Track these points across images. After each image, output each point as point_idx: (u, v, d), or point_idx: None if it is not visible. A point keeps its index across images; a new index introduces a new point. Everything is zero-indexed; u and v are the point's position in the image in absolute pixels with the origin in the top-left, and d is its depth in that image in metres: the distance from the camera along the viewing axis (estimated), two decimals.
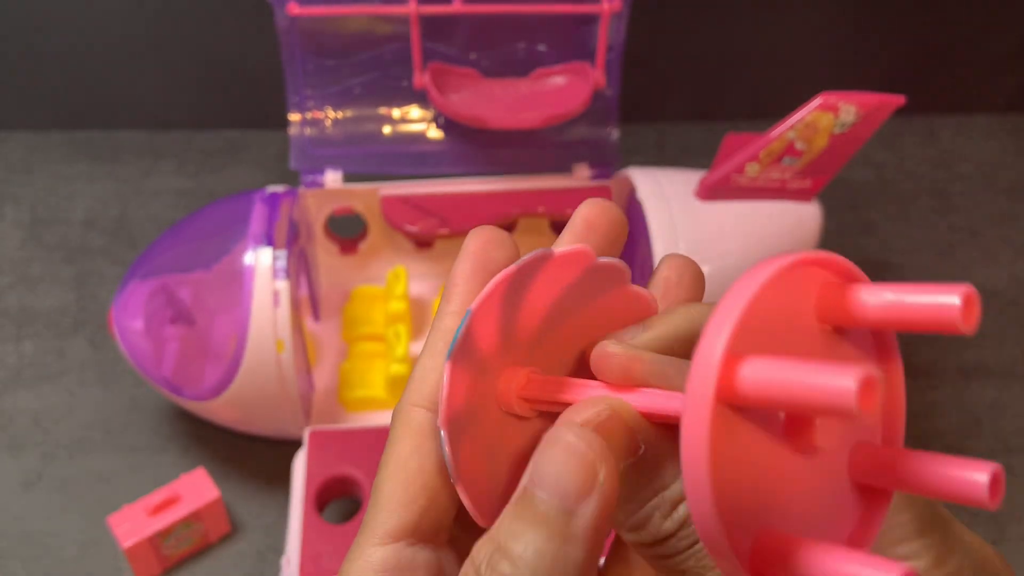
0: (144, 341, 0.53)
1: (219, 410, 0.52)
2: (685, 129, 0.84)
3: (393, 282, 0.59)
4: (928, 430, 0.59)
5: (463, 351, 0.19)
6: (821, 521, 0.17)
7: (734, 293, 0.15)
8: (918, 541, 0.19)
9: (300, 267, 0.56)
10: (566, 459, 0.16)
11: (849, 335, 0.18)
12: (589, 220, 0.21)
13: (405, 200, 0.58)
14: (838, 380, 0.14)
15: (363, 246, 0.63)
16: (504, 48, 0.58)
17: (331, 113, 0.58)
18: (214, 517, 0.52)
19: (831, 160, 0.51)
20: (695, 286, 0.22)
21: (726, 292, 0.16)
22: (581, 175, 0.59)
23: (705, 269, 0.52)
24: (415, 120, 0.59)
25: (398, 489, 0.19)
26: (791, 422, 0.17)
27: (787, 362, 0.15)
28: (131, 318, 0.53)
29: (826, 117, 0.49)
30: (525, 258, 0.19)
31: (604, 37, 0.56)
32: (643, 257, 0.56)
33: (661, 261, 0.22)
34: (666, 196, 0.53)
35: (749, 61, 0.82)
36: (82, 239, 0.72)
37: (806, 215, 0.54)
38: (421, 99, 0.58)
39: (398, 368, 0.55)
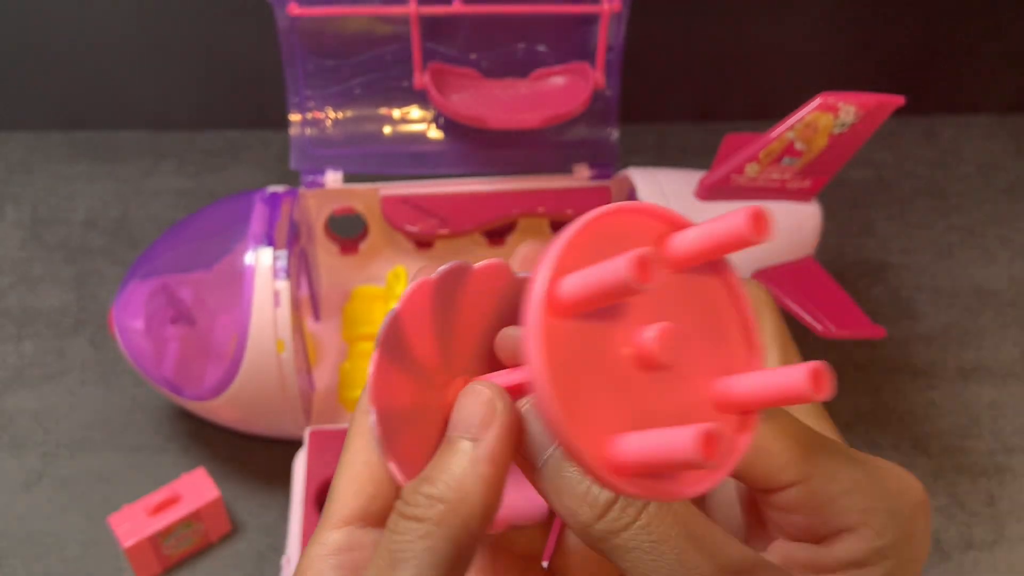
0: (145, 341, 0.53)
1: (219, 410, 0.53)
2: (685, 129, 0.84)
3: (393, 282, 0.59)
4: (927, 430, 0.59)
5: (388, 344, 0.21)
6: None
7: (561, 233, 0.18)
8: (796, 468, 0.21)
9: (300, 267, 0.57)
10: (471, 401, 0.20)
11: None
12: (528, 258, 0.23)
13: (405, 200, 0.58)
14: (617, 262, 0.16)
15: (363, 246, 0.63)
16: (504, 48, 0.58)
17: (331, 113, 0.58)
18: (214, 517, 0.53)
19: (831, 160, 0.51)
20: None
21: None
22: (581, 175, 0.59)
23: None
24: (415, 120, 0.59)
25: (350, 482, 0.22)
26: (636, 345, 0.19)
27: (590, 268, 0.17)
28: (132, 318, 0.53)
29: (826, 117, 0.49)
30: (445, 266, 0.21)
31: (604, 37, 0.56)
32: None
33: (516, 252, 0.24)
34: (666, 196, 0.53)
35: (749, 61, 0.82)
36: (83, 239, 0.72)
37: (806, 215, 0.54)
38: (421, 99, 0.58)
39: None
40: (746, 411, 0.19)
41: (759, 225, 0.18)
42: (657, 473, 0.18)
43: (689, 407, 0.19)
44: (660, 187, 0.54)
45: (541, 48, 0.58)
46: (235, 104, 0.82)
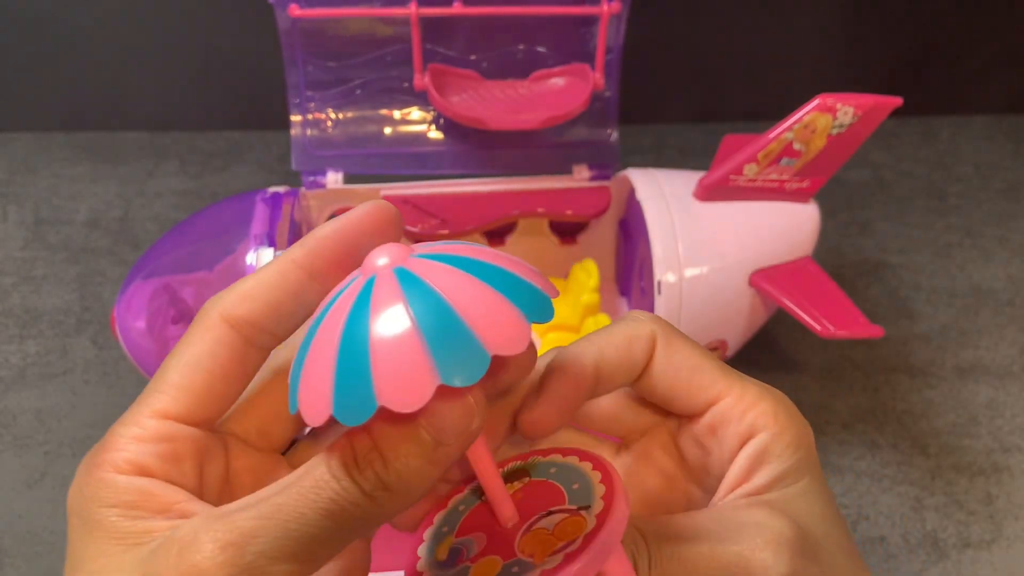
0: (147, 341, 0.53)
1: None
2: (684, 130, 0.85)
3: None
4: (925, 429, 0.59)
5: None
6: None
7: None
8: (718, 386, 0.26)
9: None
10: (460, 410, 0.20)
11: None
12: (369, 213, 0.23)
13: (405, 201, 0.59)
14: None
15: None
16: (504, 50, 0.58)
17: (332, 114, 0.58)
18: None
19: (829, 161, 0.51)
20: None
21: None
22: (581, 176, 0.59)
23: (704, 269, 0.53)
24: (415, 121, 0.59)
25: (184, 378, 0.22)
26: None
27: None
28: (134, 318, 0.53)
29: (824, 118, 0.49)
30: None
31: (603, 39, 0.56)
32: (643, 257, 0.56)
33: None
34: (665, 197, 0.53)
35: (747, 63, 0.82)
36: (85, 239, 0.72)
37: (804, 215, 0.54)
38: (421, 100, 0.58)
39: None
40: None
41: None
42: None
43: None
44: (659, 188, 0.54)
45: (541, 49, 0.58)
46: (237, 105, 0.82)
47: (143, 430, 0.21)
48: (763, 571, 0.22)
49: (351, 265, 0.22)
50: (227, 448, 0.23)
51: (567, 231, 0.63)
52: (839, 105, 0.49)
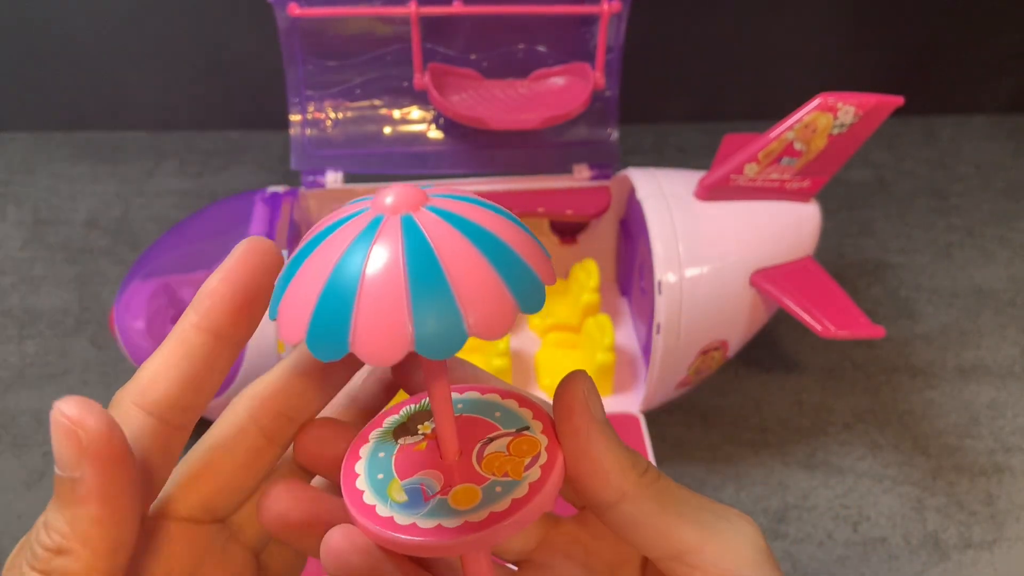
0: (146, 341, 0.53)
1: (219, 411, 0.53)
2: (684, 130, 0.84)
3: None
4: (926, 429, 0.59)
5: None
6: None
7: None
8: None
9: None
10: (58, 435, 0.19)
11: None
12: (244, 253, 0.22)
13: None
14: None
15: None
16: (504, 49, 0.58)
17: (332, 114, 0.58)
18: None
19: (830, 160, 0.51)
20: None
21: None
22: (581, 175, 0.59)
23: (704, 269, 0.53)
24: (415, 121, 0.59)
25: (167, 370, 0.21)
26: None
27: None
28: (133, 318, 0.53)
29: (825, 118, 0.49)
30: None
31: (604, 38, 0.56)
32: (643, 257, 0.56)
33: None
34: (665, 196, 0.53)
35: (748, 62, 0.82)
36: (84, 239, 0.72)
37: (805, 215, 0.54)
38: (421, 100, 0.58)
39: None
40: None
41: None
42: None
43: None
44: (660, 187, 0.54)
45: (541, 49, 0.58)
46: (236, 105, 0.82)
47: (126, 409, 0.21)
48: None
49: (256, 312, 0.22)
50: (161, 531, 0.22)
51: (567, 231, 0.63)
52: (840, 104, 0.49)
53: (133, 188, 0.77)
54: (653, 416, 0.58)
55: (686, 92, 0.84)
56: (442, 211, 0.20)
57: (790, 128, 0.50)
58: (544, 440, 0.22)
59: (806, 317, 0.50)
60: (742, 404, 0.61)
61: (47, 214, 0.74)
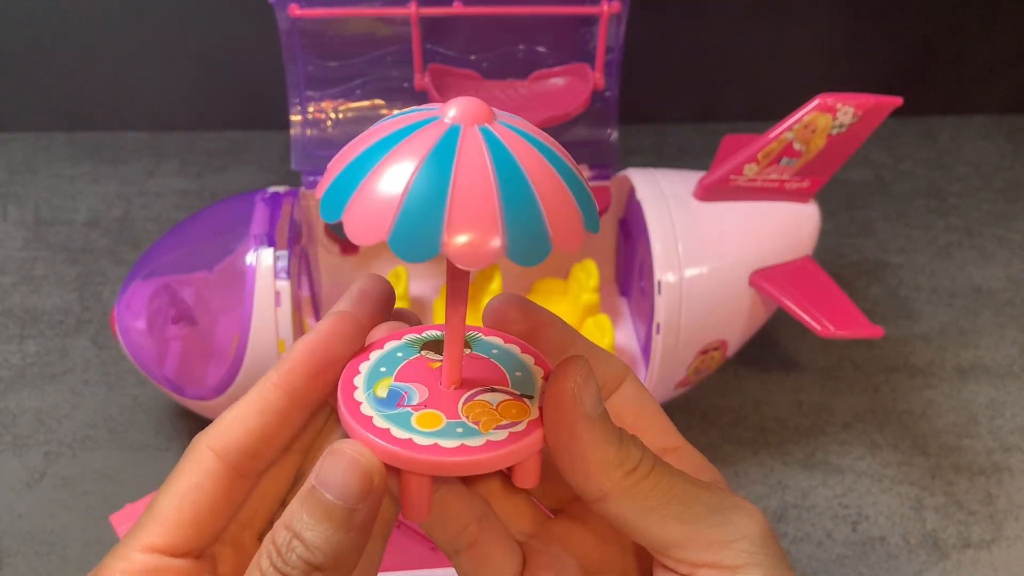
0: (147, 341, 0.53)
1: (221, 409, 0.53)
2: (684, 130, 0.85)
3: (394, 282, 0.60)
4: (925, 429, 0.59)
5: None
6: None
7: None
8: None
9: (302, 267, 0.57)
10: (348, 468, 0.21)
11: None
12: (363, 290, 0.25)
13: None
14: None
15: (364, 247, 0.63)
16: (504, 50, 0.58)
17: (332, 114, 0.58)
18: None
19: (829, 161, 0.51)
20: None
21: None
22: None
23: (704, 269, 0.53)
24: None
25: (173, 511, 0.23)
26: None
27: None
28: (134, 318, 0.53)
29: (824, 118, 0.49)
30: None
31: (603, 39, 0.56)
32: (643, 257, 0.56)
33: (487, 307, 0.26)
34: (665, 197, 0.53)
35: (748, 62, 0.82)
36: (85, 239, 0.72)
37: (804, 215, 0.54)
38: (421, 100, 0.58)
39: None
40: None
41: None
42: None
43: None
44: (659, 188, 0.54)
45: (541, 49, 0.58)
46: (236, 105, 0.82)
47: (131, 563, 0.22)
48: None
49: (329, 380, 0.23)
50: (215, 572, 0.24)
51: None
52: (839, 105, 0.49)
53: (134, 188, 0.77)
54: None
55: (686, 92, 0.84)
56: (513, 127, 0.20)
57: (789, 128, 0.50)
58: (534, 415, 0.23)
59: (805, 317, 0.50)
60: (741, 404, 0.61)
61: (48, 214, 0.74)
